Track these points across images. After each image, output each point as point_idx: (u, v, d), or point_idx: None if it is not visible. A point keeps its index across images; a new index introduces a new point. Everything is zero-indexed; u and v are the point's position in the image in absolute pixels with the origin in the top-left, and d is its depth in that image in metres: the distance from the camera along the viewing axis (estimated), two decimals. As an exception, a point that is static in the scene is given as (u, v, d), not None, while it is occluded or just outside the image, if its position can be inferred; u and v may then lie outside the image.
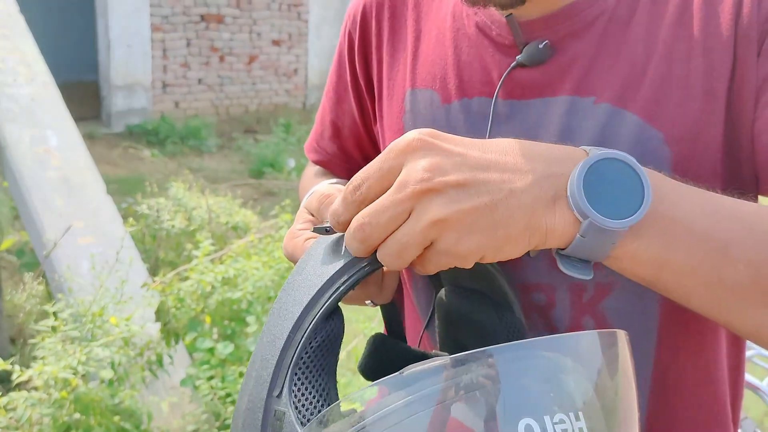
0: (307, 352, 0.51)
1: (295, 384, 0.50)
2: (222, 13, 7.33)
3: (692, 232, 0.47)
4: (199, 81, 7.39)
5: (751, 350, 1.80)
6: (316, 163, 0.89)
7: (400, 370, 0.43)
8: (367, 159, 0.85)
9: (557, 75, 0.61)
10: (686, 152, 0.58)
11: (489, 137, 0.62)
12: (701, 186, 0.51)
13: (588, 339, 0.47)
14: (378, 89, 0.75)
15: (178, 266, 2.91)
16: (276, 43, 7.79)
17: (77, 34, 8.42)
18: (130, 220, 2.71)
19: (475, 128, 0.65)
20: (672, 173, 0.54)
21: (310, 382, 0.50)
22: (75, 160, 2.97)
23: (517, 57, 0.62)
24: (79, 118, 4.14)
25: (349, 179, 0.86)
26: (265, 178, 5.78)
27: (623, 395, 0.47)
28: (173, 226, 3.08)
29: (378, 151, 0.80)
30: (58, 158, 2.93)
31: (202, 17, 7.23)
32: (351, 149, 0.85)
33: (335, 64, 0.81)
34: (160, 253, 3.14)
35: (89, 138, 6.14)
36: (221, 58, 7.46)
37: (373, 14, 0.75)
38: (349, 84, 0.79)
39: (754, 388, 1.61)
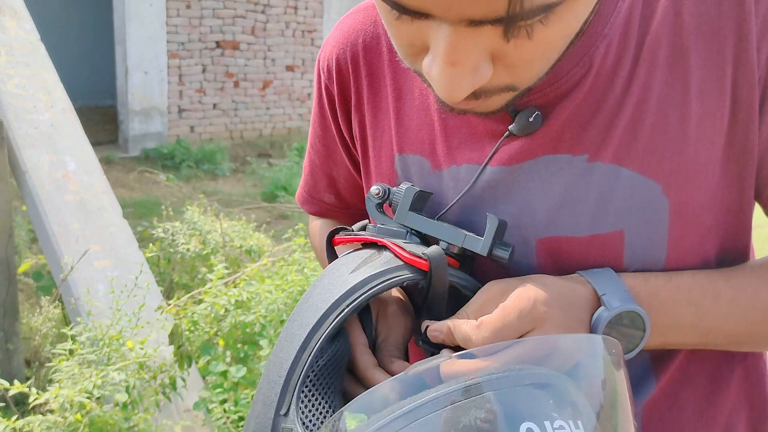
0: (313, 371, 0.52)
1: (302, 401, 0.51)
2: (237, 39, 7.45)
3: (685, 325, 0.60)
4: (214, 106, 7.50)
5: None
6: (315, 214, 0.89)
7: (404, 371, 0.45)
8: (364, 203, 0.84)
9: (549, 139, 0.60)
10: (685, 198, 0.58)
11: (458, 200, 0.64)
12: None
13: (585, 340, 0.49)
14: (362, 147, 0.74)
15: (192, 289, 2.93)
16: (290, 68, 7.89)
17: (96, 60, 8.60)
18: (151, 246, 2.74)
19: (462, 195, 0.64)
20: (669, 220, 0.59)
21: (317, 400, 0.52)
22: (92, 185, 3.02)
23: (509, 127, 0.60)
24: (96, 142, 4.21)
25: (350, 224, 0.83)
26: (279, 201, 5.81)
27: (619, 402, 0.48)
28: (188, 250, 3.11)
29: None
30: (75, 183, 2.98)
31: (218, 44, 7.35)
32: (349, 198, 0.84)
33: (317, 114, 0.79)
34: (175, 276, 3.16)
35: (106, 162, 6.23)
36: (236, 84, 7.57)
37: (350, 70, 0.72)
38: (337, 138, 0.78)
39: None
